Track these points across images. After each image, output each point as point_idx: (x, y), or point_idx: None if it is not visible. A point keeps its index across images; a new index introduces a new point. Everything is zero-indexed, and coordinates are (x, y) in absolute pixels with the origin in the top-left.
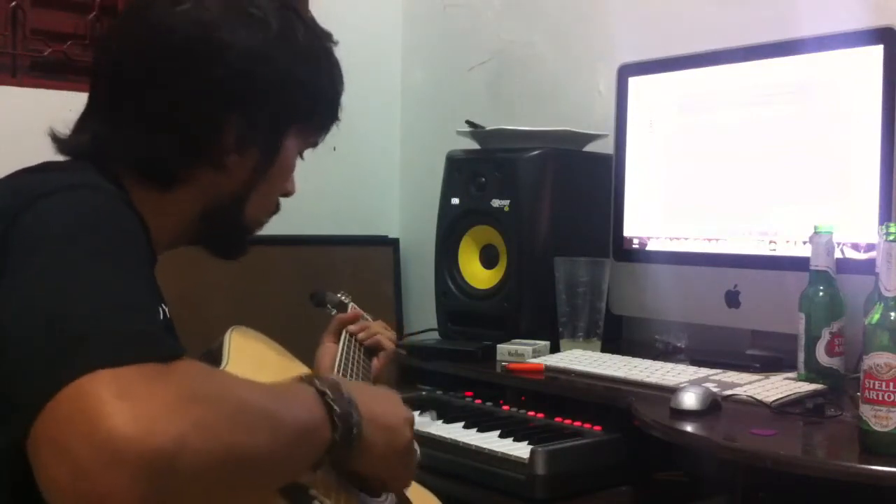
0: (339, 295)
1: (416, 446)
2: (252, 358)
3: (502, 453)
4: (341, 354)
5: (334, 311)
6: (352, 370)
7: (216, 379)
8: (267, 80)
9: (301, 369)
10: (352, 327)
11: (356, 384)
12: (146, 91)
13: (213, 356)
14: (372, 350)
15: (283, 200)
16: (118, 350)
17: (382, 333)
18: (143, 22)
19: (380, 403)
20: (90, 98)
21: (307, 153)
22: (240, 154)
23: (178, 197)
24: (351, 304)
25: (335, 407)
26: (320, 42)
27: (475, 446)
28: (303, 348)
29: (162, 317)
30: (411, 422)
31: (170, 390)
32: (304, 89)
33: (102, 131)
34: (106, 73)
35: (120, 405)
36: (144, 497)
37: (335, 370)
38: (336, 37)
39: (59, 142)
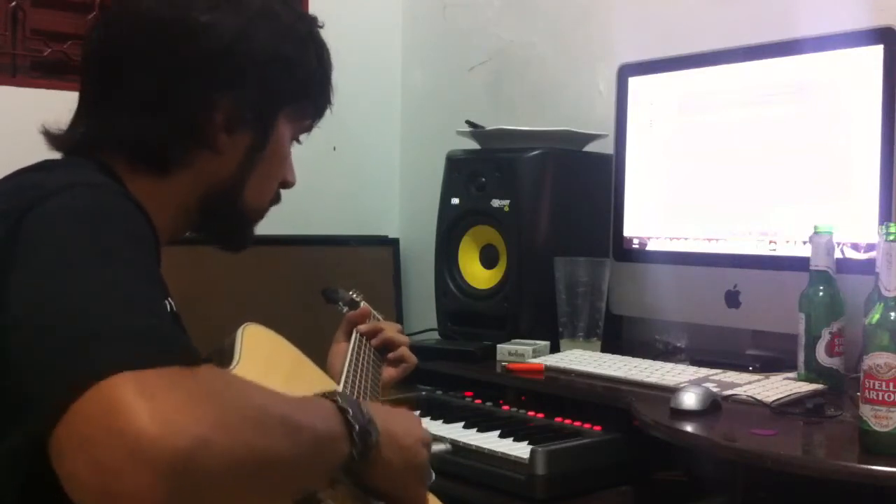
0: (350, 293)
1: (431, 470)
2: (265, 356)
3: (502, 453)
4: (351, 355)
5: (345, 309)
6: (362, 371)
7: (236, 384)
8: (249, 59)
9: (314, 369)
10: (362, 327)
11: (376, 405)
12: (131, 77)
13: (225, 353)
14: (382, 350)
15: (284, 200)
16: (139, 350)
17: (394, 337)
18: (122, 9)
19: (398, 423)
20: (81, 93)
21: (307, 154)
22: (230, 135)
23: (176, 183)
24: (363, 303)
25: (354, 424)
26: (304, 22)
27: (475, 446)
28: (303, 348)
29: (169, 310)
30: (427, 442)
31: (193, 392)
32: (291, 68)
33: (93, 123)
34: (92, 65)
35: (145, 406)
36: (168, 496)
37: (344, 371)
38: (336, 37)
39: (52, 138)
